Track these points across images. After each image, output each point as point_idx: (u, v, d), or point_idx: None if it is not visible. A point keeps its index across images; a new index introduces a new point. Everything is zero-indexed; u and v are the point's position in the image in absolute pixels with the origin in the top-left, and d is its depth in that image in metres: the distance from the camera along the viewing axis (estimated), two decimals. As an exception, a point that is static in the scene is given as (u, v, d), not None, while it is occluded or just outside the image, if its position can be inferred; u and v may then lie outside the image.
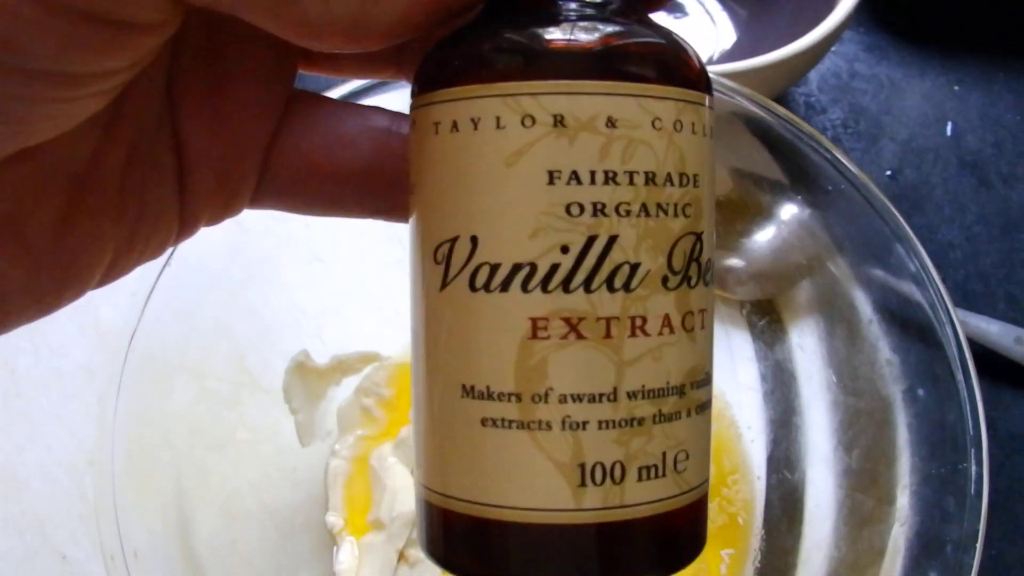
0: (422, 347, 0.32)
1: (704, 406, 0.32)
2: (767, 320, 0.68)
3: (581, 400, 0.30)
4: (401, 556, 0.64)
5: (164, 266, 0.57)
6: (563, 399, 0.30)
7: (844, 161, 0.57)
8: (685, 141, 0.30)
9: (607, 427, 0.30)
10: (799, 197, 0.62)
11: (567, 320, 0.30)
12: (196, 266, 0.60)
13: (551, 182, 0.29)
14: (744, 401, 0.67)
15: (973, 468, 0.54)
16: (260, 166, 0.35)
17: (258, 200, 0.36)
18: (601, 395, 0.30)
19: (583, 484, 0.30)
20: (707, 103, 0.31)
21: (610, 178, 0.29)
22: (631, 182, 0.29)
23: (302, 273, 0.68)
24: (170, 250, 0.53)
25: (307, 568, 0.65)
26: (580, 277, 0.29)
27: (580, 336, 0.30)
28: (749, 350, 0.69)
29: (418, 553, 0.63)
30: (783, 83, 0.72)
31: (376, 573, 0.63)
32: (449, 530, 0.34)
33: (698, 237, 0.31)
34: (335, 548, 0.65)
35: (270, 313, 0.68)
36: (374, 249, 0.69)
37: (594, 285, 0.30)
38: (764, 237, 0.68)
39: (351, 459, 0.66)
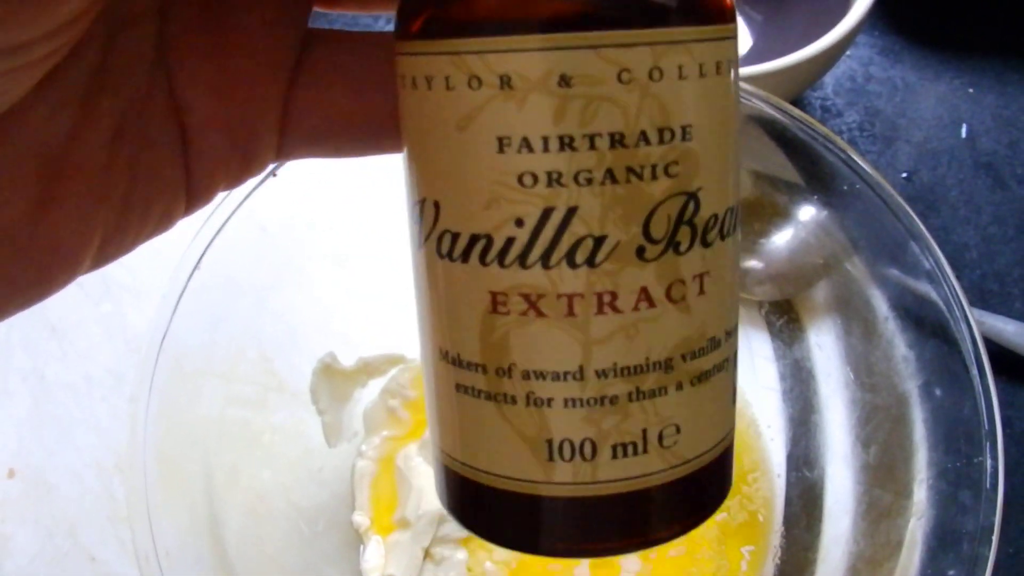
0: (416, 305, 0.32)
1: (707, 374, 0.30)
2: (785, 320, 0.70)
3: (544, 378, 0.29)
4: (427, 554, 0.65)
5: (193, 271, 0.59)
6: (526, 375, 0.29)
7: (859, 162, 0.58)
8: (668, 90, 0.26)
9: (574, 405, 0.29)
10: (815, 198, 0.64)
11: (526, 296, 0.28)
12: (223, 272, 0.61)
13: (501, 150, 0.27)
14: (764, 400, 0.68)
15: (988, 462, 0.55)
16: (280, 118, 0.32)
17: (285, 152, 0.33)
18: (566, 373, 0.28)
19: (551, 459, 0.29)
20: (708, 36, 0.27)
21: (566, 144, 0.26)
22: (592, 146, 0.26)
23: (327, 276, 0.69)
24: (198, 255, 0.56)
25: (333, 566, 0.66)
26: (537, 252, 0.27)
27: (540, 314, 0.28)
28: (768, 350, 0.70)
29: (444, 551, 0.64)
30: (799, 87, 0.73)
31: (402, 570, 0.64)
32: (447, 482, 0.34)
33: (691, 196, 0.28)
34: (361, 547, 0.66)
35: (296, 317, 0.69)
36: (397, 250, 0.70)
37: (552, 260, 0.27)
38: (782, 238, 0.69)
39: (377, 459, 0.67)
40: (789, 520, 0.66)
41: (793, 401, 0.68)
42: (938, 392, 0.59)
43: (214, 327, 0.62)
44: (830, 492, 0.64)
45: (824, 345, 0.68)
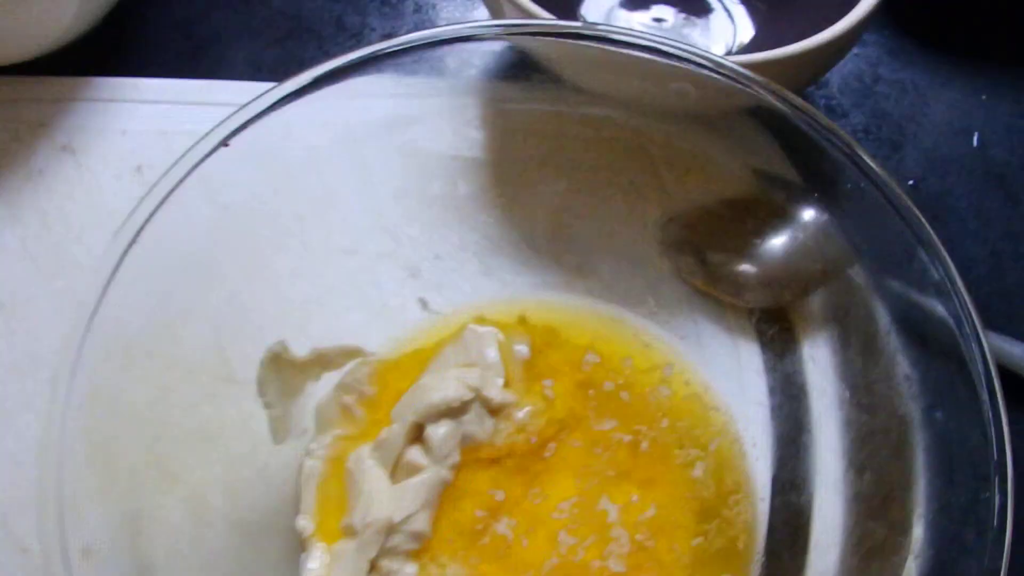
0: None
1: None
2: (778, 329, 0.62)
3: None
4: (372, 566, 0.57)
5: (132, 242, 0.52)
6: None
7: (865, 158, 0.50)
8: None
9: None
10: (816, 197, 0.56)
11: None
12: (169, 246, 0.54)
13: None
14: (751, 416, 0.61)
15: (997, 498, 0.48)
16: None
17: None
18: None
19: None
20: None
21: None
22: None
23: (289, 261, 0.62)
24: (139, 224, 0.51)
25: (273, 572, 0.58)
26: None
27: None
28: (758, 361, 0.62)
29: (391, 564, 0.56)
30: (802, 80, 0.65)
31: (345, 584, 0.55)
32: None
33: None
34: (303, 554, 0.57)
35: (252, 301, 0.61)
36: (365, 241, 0.62)
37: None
38: (778, 241, 0.63)
39: (326, 459, 0.60)
40: (771, 549, 0.59)
41: (782, 419, 0.60)
42: (942, 417, 0.52)
43: (159, 306, 0.55)
44: (818, 521, 0.58)
45: (819, 359, 0.61)
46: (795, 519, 0.59)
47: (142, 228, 0.52)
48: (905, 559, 0.50)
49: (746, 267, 0.63)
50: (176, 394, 0.57)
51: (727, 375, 0.61)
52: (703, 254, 0.62)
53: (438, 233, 0.64)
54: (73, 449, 0.48)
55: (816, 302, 0.63)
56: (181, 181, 0.53)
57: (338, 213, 0.63)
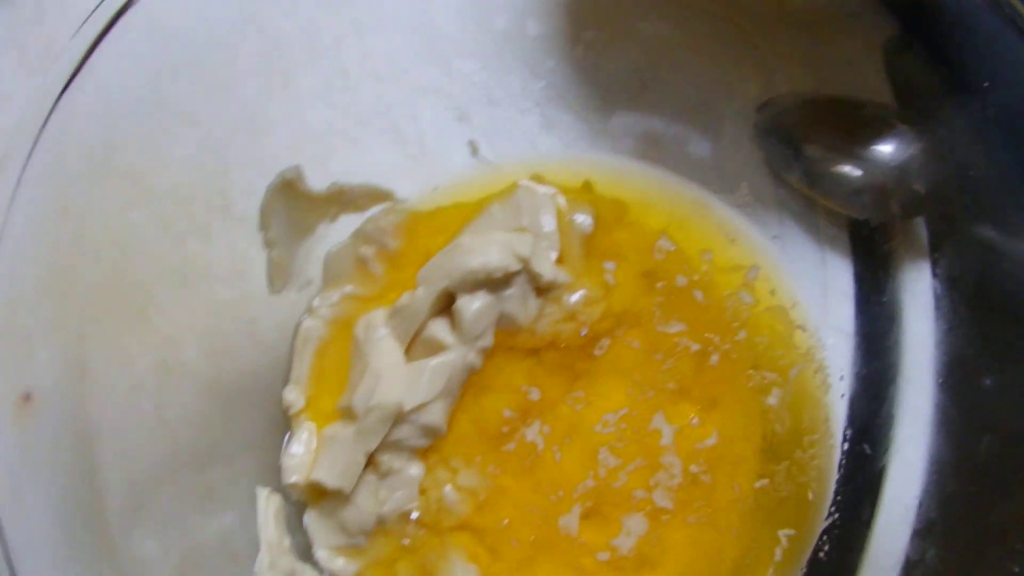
0: None
1: None
2: (876, 249, 0.48)
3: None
4: (370, 461, 0.45)
5: (115, 19, 0.40)
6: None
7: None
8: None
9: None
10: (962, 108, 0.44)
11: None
12: (175, 25, 0.42)
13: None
14: (837, 346, 0.47)
15: None
16: None
17: None
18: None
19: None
20: None
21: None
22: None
23: (315, 80, 0.49)
24: None
25: (249, 452, 0.48)
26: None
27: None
28: (847, 282, 0.51)
29: (392, 460, 0.45)
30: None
31: (335, 477, 0.42)
32: None
33: None
34: (288, 434, 0.47)
35: (265, 119, 0.48)
36: (409, 69, 0.51)
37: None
38: (886, 148, 0.49)
39: (330, 321, 0.49)
40: (844, 505, 0.47)
41: (870, 354, 0.47)
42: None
43: (149, 103, 0.42)
44: (892, 482, 0.47)
45: (918, 292, 0.49)
46: (867, 475, 0.48)
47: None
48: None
49: (849, 168, 0.49)
50: (159, 221, 0.44)
51: (810, 292, 0.50)
52: (800, 147, 0.48)
53: (496, 74, 0.52)
54: (23, 268, 0.38)
55: (920, 227, 0.49)
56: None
57: (381, 31, 0.50)
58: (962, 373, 0.45)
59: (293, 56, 0.48)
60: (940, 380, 0.46)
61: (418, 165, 0.51)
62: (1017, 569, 0.39)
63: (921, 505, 0.45)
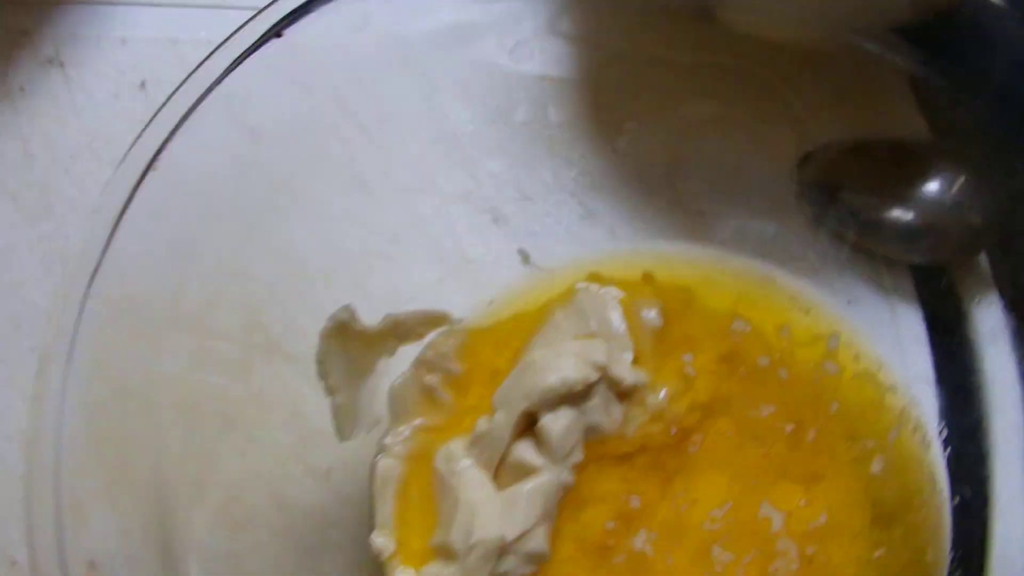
0: None
1: None
2: (942, 291, 0.47)
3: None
4: (477, 599, 0.40)
5: (140, 179, 0.39)
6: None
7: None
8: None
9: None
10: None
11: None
12: (192, 187, 0.42)
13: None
14: (927, 400, 0.47)
15: None
16: None
17: None
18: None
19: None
20: None
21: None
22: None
23: (340, 203, 0.47)
24: (153, 150, 0.40)
25: None
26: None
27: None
28: (918, 329, 0.49)
29: None
30: None
31: (444, 623, 0.39)
32: None
33: None
34: None
35: (295, 254, 0.46)
36: (436, 176, 0.49)
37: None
38: (934, 186, 0.48)
39: (407, 457, 0.46)
40: (962, 558, 0.45)
41: (952, 399, 0.44)
42: None
43: (179, 260, 0.42)
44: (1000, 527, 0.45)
45: (991, 327, 0.47)
46: (973, 524, 0.45)
47: (154, 159, 0.40)
48: None
49: (901, 212, 0.48)
50: (203, 372, 0.43)
51: (888, 347, 0.48)
52: (846, 197, 0.46)
53: (525, 168, 0.50)
54: (72, 440, 0.37)
55: (983, 263, 0.48)
56: (199, 101, 0.41)
57: (399, 143, 0.48)
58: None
59: (307, 178, 0.46)
60: None
61: (463, 276, 0.49)
62: None
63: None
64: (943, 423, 0.47)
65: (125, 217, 0.39)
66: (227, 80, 0.41)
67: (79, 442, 0.37)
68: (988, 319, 0.47)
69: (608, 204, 0.50)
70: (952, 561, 0.45)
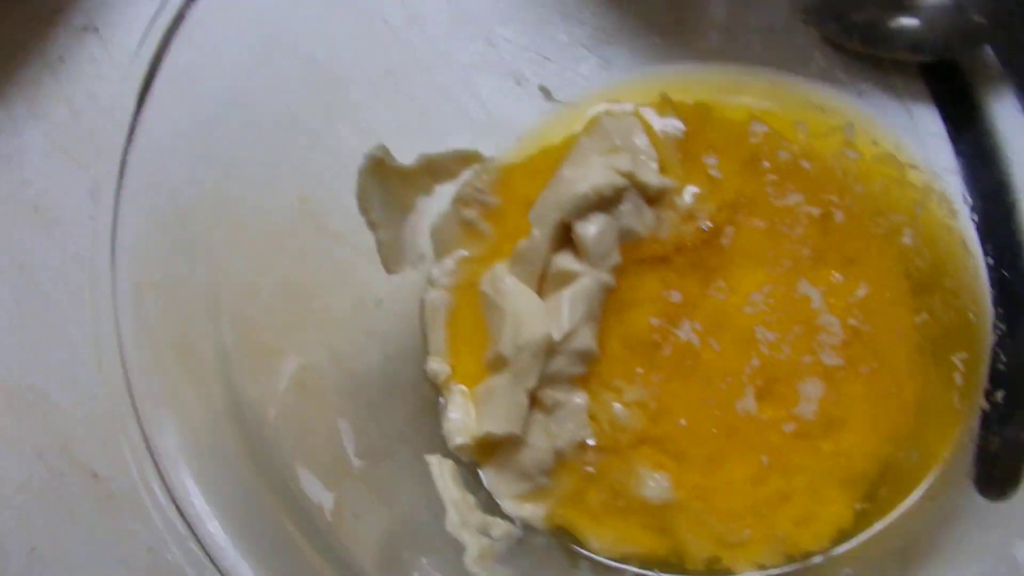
0: None
1: None
2: (955, 87, 0.48)
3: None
4: (533, 400, 0.42)
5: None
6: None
7: None
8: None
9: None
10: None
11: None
12: (221, 75, 0.41)
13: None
14: (950, 177, 0.48)
15: None
16: None
17: None
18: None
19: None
20: None
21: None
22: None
23: (371, 89, 0.48)
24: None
25: (406, 442, 0.46)
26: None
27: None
28: (937, 125, 0.50)
29: (555, 394, 0.42)
30: None
31: (503, 424, 0.40)
32: None
33: None
34: (441, 401, 0.44)
35: (332, 138, 0.47)
36: (457, 53, 0.51)
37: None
38: None
39: (454, 287, 0.48)
40: (1007, 316, 0.46)
41: (981, 182, 0.44)
42: None
43: (216, 154, 0.42)
44: None
45: (1007, 115, 0.48)
46: (1019, 286, 0.46)
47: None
48: None
49: (906, 20, 0.49)
50: (260, 259, 0.44)
51: (912, 143, 0.49)
52: (851, 14, 0.47)
53: (541, 32, 0.50)
54: (137, 341, 0.37)
55: (990, 55, 0.49)
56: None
57: (416, 25, 0.49)
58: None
59: (335, 67, 0.47)
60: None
61: (490, 132, 0.50)
62: None
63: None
64: (971, 192, 0.47)
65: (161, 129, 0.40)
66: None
67: (144, 344, 0.38)
68: (1000, 105, 0.48)
69: (623, 51, 0.51)
70: (996, 318, 0.46)
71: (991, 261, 0.46)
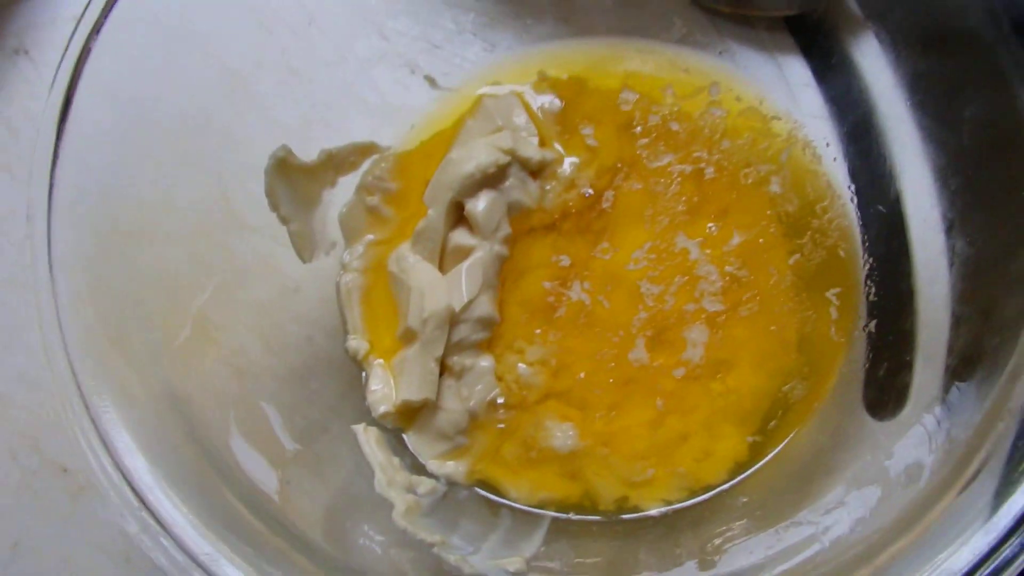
0: None
1: None
2: (819, 36, 0.49)
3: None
4: (444, 367, 0.45)
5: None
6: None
7: None
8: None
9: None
10: None
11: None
12: (125, 86, 0.44)
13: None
14: (815, 123, 0.49)
15: None
16: None
17: None
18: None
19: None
20: None
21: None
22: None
23: (272, 84, 0.50)
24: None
25: (339, 418, 0.49)
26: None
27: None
28: (805, 74, 0.52)
29: (462, 359, 0.45)
30: None
31: (417, 391, 0.44)
32: None
33: None
34: (363, 375, 0.46)
35: (246, 139, 0.50)
36: (354, 48, 0.53)
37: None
38: None
39: (365, 270, 0.51)
40: (875, 249, 0.48)
41: (848, 125, 0.47)
42: None
43: (150, 164, 0.45)
44: (913, 201, 0.48)
45: (871, 62, 0.51)
46: (889, 218, 0.49)
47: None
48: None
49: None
50: (186, 255, 0.46)
51: (775, 90, 0.52)
52: None
53: (430, 22, 0.52)
54: (80, 342, 0.40)
55: (851, 3, 0.51)
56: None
57: (315, 25, 0.52)
58: (925, 87, 0.47)
59: (247, 74, 0.49)
60: (910, 102, 0.47)
61: (388, 119, 0.53)
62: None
63: (943, 216, 0.46)
64: (835, 135, 0.50)
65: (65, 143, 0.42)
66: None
67: (89, 341, 0.41)
68: (863, 45, 0.50)
69: (507, 34, 0.54)
70: (866, 252, 0.49)
71: (855, 199, 0.49)
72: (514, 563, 0.43)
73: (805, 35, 0.52)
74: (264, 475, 0.44)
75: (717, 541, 0.44)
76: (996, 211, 0.43)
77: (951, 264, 0.44)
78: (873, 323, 0.48)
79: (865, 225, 0.49)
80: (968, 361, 0.42)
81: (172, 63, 0.45)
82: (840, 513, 0.41)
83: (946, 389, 0.43)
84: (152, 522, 0.38)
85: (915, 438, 0.42)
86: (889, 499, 0.41)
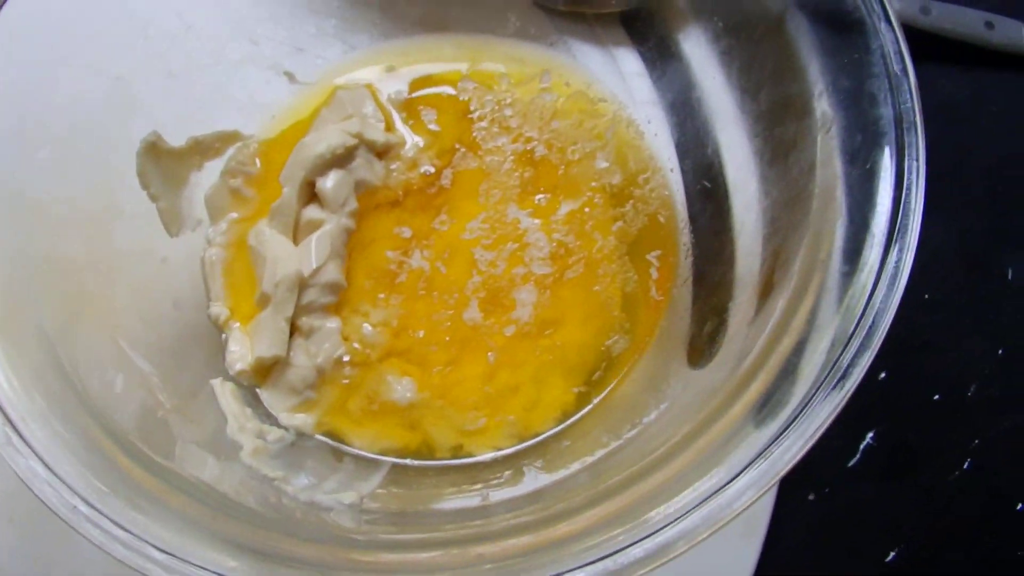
0: None
1: None
2: (651, 30, 0.52)
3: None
4: (295, 328, 0.48)
5: None
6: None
7: None
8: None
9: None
10: None
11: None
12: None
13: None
14: (645, 112, 0.51)
15: (889, 44, 0.41)
16: None
17: None
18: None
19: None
20: None
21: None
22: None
23: (157, 90, 0.53)
24: None
25: (205, 381, 0.49)
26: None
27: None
28: (638, 65, 0.54)
29: (311, 321, 0.48)
30: None
31: (269, 348, 0.47)
32: None
33: None
34: (223, 337, 0.48)
35: (128, 139, 0.52)
36: (227, 52, 0.56)
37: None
38: None
39: (227, 245, 0.53)
40: (694, 214, 0.51)
41: (666, 90, 0.50)
42: None
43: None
44: (730, 164, 0.50)
45: (699, 53, 0.51)
46: (708, 174, 0.52)
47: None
48: (817, 138, 0.42)
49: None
50: (72, 241, 0.48)
51: (605, 80, 0.55)
52: None
53: (294, 27, 0.56)
54: None
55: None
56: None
57: (192, 32, 0.55)
58: (731, 62, 0.50)
59: (128, 78, 0.51)
60: (722, 77, 0.50)
61: (257, 113, 0.56)
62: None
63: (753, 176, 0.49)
64: (658, 114, 0.54)
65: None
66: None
67: None
68: (690, 35, 0.54)
69: (364, 35, 0.57)
70: (688, 217, 0.52)
71: (675, 170, 0.52)
72: (349, 496, 0.45)
73: (637, 28, 0.55)
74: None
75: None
76: (785, 165, 0.46)
77: (757, 219, 0.47)
78: (690, 280, 0.50)
79: (687, 193, 0.52)
80: (764, 295, 0.44)
81: (58, 68, 0.47)
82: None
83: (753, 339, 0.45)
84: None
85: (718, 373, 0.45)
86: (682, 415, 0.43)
